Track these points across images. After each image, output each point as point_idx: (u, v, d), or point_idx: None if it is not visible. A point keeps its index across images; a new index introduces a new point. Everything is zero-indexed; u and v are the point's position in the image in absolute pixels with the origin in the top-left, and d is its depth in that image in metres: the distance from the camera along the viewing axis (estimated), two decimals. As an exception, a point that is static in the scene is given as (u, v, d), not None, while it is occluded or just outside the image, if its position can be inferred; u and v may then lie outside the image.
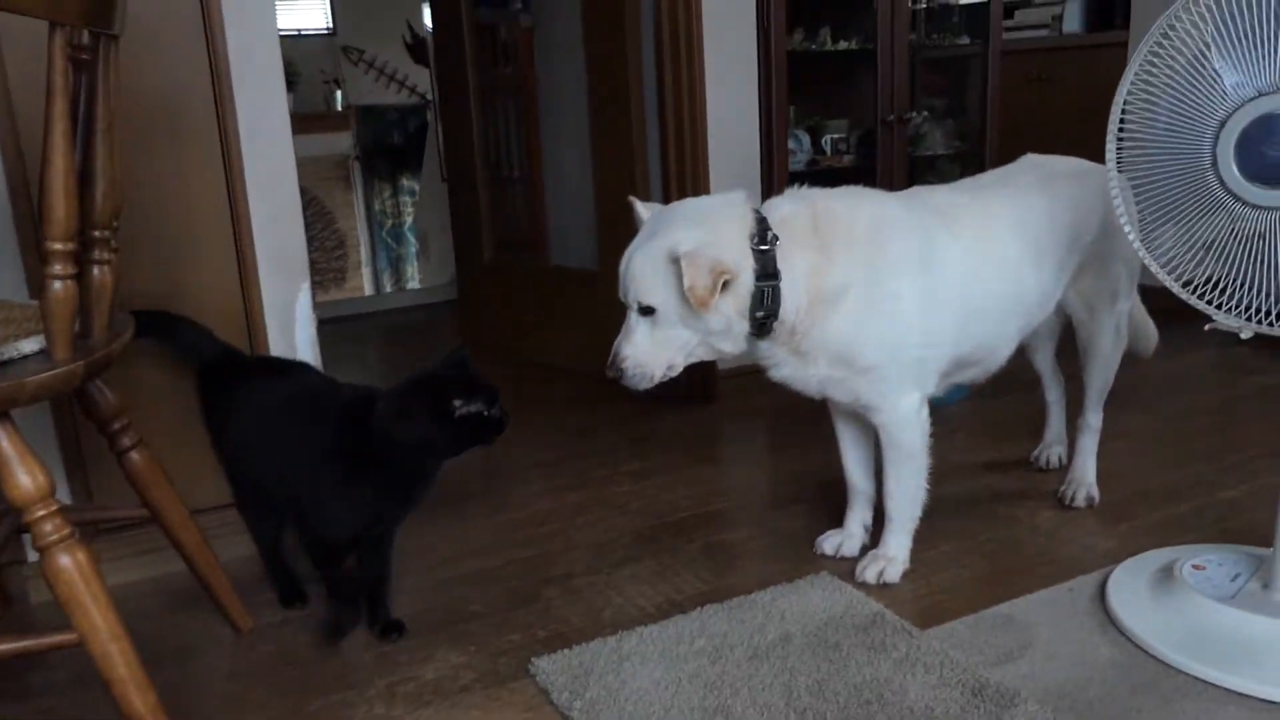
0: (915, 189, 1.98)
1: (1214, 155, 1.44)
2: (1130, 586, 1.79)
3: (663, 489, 2.06)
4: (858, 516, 2.07)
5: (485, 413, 1.64)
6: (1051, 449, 2.46)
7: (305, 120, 6.31)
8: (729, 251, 1.62)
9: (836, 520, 2.11)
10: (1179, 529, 2.04)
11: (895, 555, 1.94)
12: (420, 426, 1.62)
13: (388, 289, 6.73)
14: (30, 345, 1.35)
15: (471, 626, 1.83)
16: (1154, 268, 1.55)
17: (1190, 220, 1.49)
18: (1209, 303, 1.52)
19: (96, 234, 1.43)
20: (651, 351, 1.68)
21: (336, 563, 1.76)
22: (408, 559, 2.12)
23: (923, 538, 2.06)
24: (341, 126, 6.58)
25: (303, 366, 1.93)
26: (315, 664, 1.75)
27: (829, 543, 2.06)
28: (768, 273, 1.65)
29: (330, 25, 6.56)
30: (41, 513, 1.29)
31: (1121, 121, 1.55)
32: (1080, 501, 2.19)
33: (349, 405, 1.70)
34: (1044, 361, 2.41)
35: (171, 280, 2.01)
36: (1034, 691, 1.54)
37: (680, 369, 1.72)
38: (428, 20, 5.33)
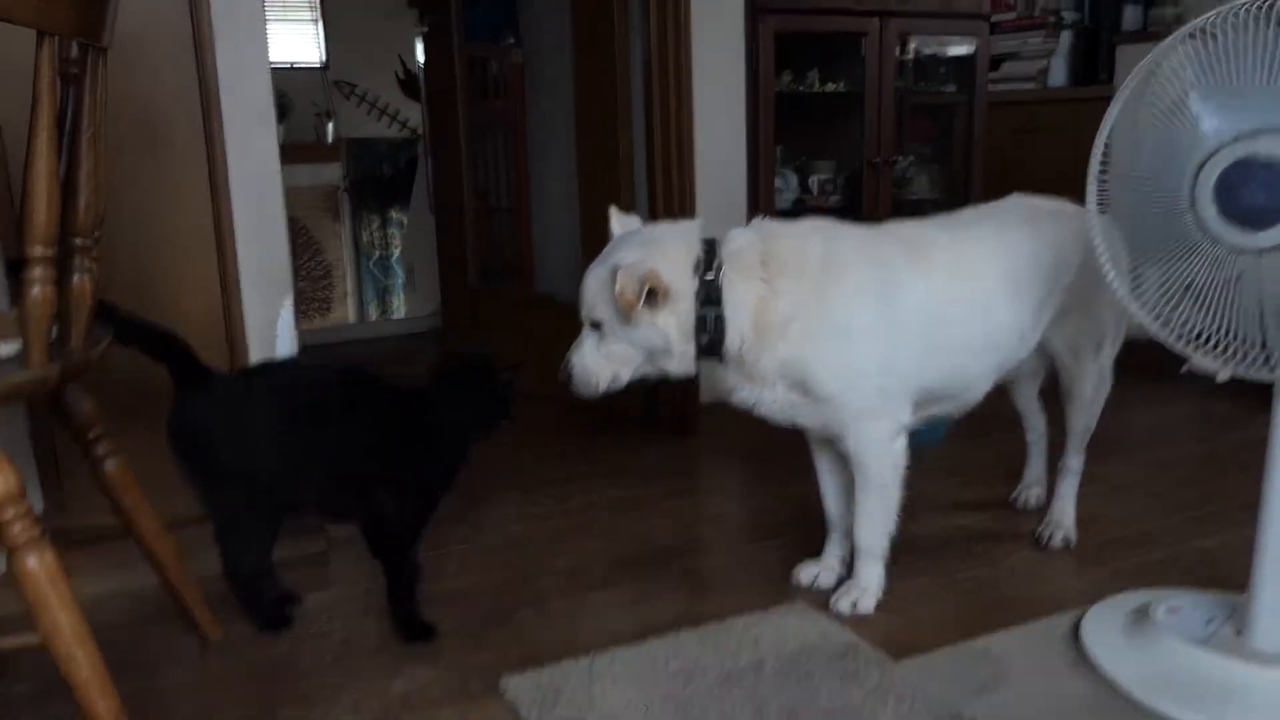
0: (892, 223, 1.99)
1: (1192, 197, 1.46)
2: (1105, 626, 1.79)
3: (641, 517, 2.06)
4: (834, 549, 2.07)
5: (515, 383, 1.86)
6: (1030, 490, 2.46)
7: (296, 150, 6.34)
8: (669, 273, 1.68)
9: (815, 552, 2.11)
10: (1155, 574, 2.04)
11: (868, 585, 1.94)
12: (476, 398, 1.83)
13: (373, 318, 6.72)
14: (6, 349, 1.35)
15: (443, 644, 1.82)
16: (1133, 308, 1.57)
17: (1170, 261, 1.51)
18: (1187, 345, 1.53)
19: (78, 242, 1.43)
20: (597, 362, 1.77)
21: (408, 558, 1.85)
22: (379, 579, 2.10)
23: (900, 572, 2.06)
24: (331, 158, 6.62)
25: (280, 364, 1.93)
26: (283, 677, 1.73)
27: (805, 573, 2.05)
28: (710, 300, 1.71)
29: (324, 59, 6.62)
30: (10, 514, 1.28)
31: (1104, 162, 1.58)
32: (1057, 543, 2.19)
33: (394, 392, 1.83)
34: (1026, 401, 2.41)
35: (153, 293, 2.01)
36: (1006, 725, 1.53)
37: (624, 381, 1.79)
38: (420, 56, 5.39)
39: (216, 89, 2.00)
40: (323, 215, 6.69)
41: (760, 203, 3.20)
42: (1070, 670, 1.70)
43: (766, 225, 1.84)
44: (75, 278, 1.43)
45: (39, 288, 1.31)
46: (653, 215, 3.16)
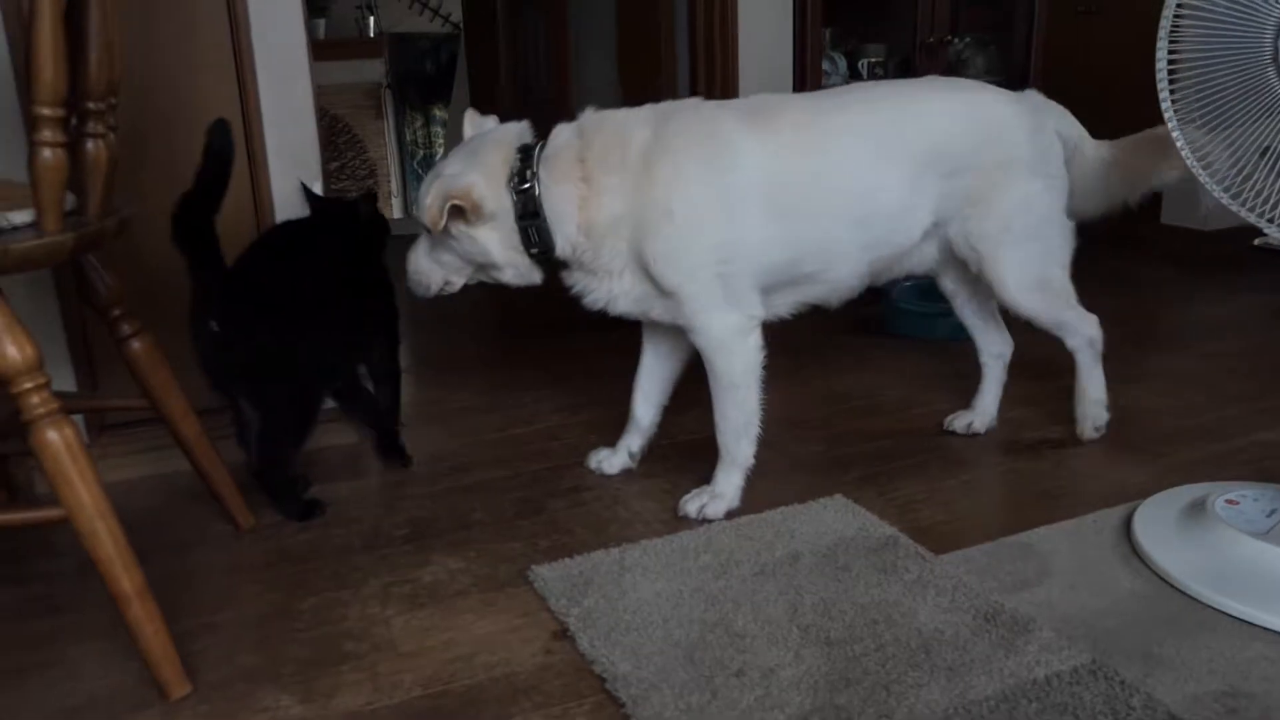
0: (763, 95, 1.89)
1: (1276, 49, 1.34)
2: (1158, 519, 1.71)
3: (678, 409, 2.01)
4: (627, 438, 2.04)
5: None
6: (964, 417, 2.19)
7: (337, 46, 6.24)
8: (482, 188, 1.64)
9: (851, 444, 2.05)
10: (1212, 468, 1.96)
11: (722, 492, 1.85)
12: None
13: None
14: (21, 217, 1.31)
15: (473, 534, 1.80)
16: (1202, 177, 1.46)
17: (1246, 123, 1.39)
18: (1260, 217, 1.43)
19: (91, 105, 1.38)
20: (429, 266, 1.77)
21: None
22: (414, 470, 2.09)
23: (940, 465, 2.02)
24: (373, 54, 6.50)
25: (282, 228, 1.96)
26: (311, 563, 1.72)
27: (593, 457, 2.06)
28: (528, 212, 1.66)
29: (363, -52, 6.43)
30: (28, 385, 1.25)
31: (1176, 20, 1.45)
32: (1089, 431, 2.07)
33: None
34: (970, 314, 2.13)
35: (179, 170, 1.95)
36: (1049, 619, 1.48)
37: (458, 286, 1.80)
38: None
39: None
40: (366, 113, 6.60)
41: (807, 88, 3.06)
42: (1119, 564, 1.63)
43: (590, 118, 1.75)
44: (90, 144, 1.38)
45: (49, 151, 1.26)
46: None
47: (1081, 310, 1.99)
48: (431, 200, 1.63)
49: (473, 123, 1.82)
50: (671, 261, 1.70)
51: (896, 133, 1.80)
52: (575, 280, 1.78)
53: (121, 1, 1.42)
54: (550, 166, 1.67)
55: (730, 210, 1.70)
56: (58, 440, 1.27)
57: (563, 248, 1.70)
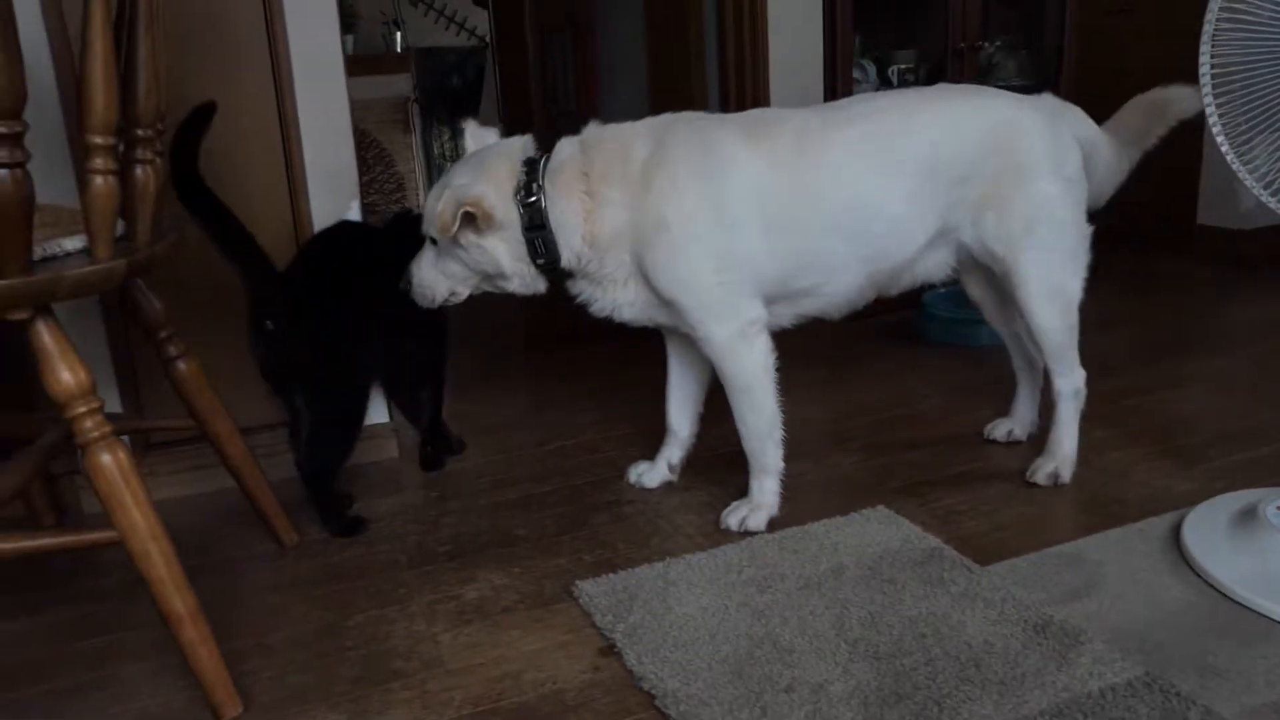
0: (763, 109, 1.92)
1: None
2: (1207, 527, 1.69)
3: (716, 422, 2.00)
4: (667, 451, 2.05)
5: None
6: (1000, 425, 2.18)
7: (365, 62, 6.29)
8: (493, 198, 1.66)
9: (891, 455, 2.04)
10: (1261, 473, 1.93)
11: (760, 501, 1.85)
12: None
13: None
14: (73, 243, 1.33)
15: (516, 550, 1.80)
16: (1248, 180, 1.44)
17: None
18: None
19: (140, 133, 1.40)
20: (434, 277, 1.77)
21: None
22: (455, 483, 2.10)
23: (982, 474, 2.00)
24: (401, 69, 6.54)
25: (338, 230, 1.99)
26: (357, 580, 1.73)
27: (633, 470, 2.07)
28: (534, 224, 1.69)
29: (391, -35, 6.48)
30: (82, 409, 1.27)
31: (1227, 8, 1.43)
32: (1040, 479, 1.94)
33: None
34: (1000, 320, 2.10)
35: (220, 191, 1.98)
36: (1100, 630, 1.46)
37: (464, 296, 1.80)
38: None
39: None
40: (393, 127, 6.65)
41: (838, 95, 3.05)
42: (1169, 574, 1.61)
43: (593, 132, 1.77)
44: (139, 170, 1.40)
45: (101, 179, 1.28)
46: (724, 108, 3.05)
47: (1077, 355, 1.94)
48: (443, 208, 1.64)
49: (474, 135, 1.85)
50: (668, 271, 1.71)
51: (898, 144, 1.78)
52: (581, 289, 1.80)
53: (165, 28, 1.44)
54: (555, 180, 1.70)
55: (725, 222, 1.70)
56: (111, 463, 1.28)
57: (568, 259, 1.72)
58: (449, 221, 1.64)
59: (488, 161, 1.73)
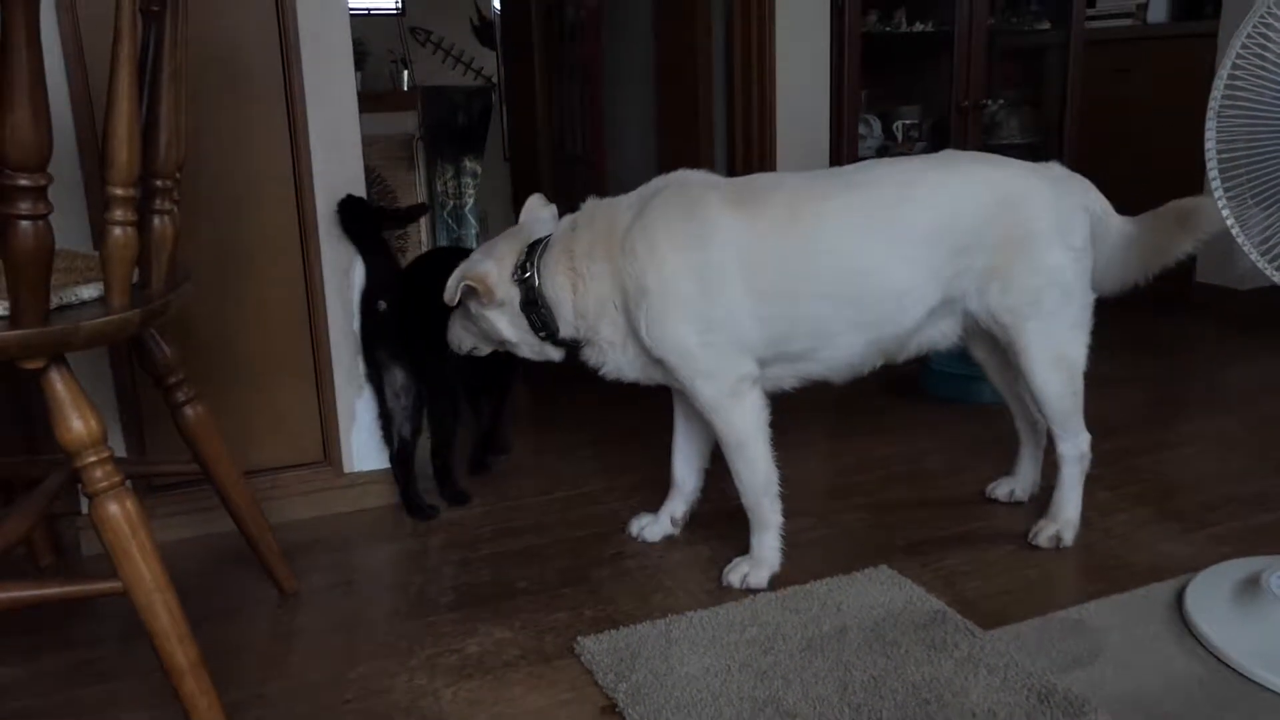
0: (762, 174, 1.95)
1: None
2: (1211, 595, 1.69)
3: (718, 475, 2.00)
4: (670, 504, 2.06)
5: None
6: (1002, 485, 2.18)
7: (372, 99, 6.33)
8: (494, 276, 1.79)
9: (894, 513, 2.04)
10: (1264, 539, 1.94)
11: (761, 557, 1.85)
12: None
13: (448, 267, 6.74)
14: (89, 292, 1.33)
15: (518, 603, 1.80)
16: (1246, 247, 1.46)
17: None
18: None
19: (159, 184, 1.41)
20: (460, 333, 1.93)
21: None
22: (457, 532, 2.10)
23: (985, 534, 2.01)
24: (407, 106, 6.59)
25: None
26: (357, 630, 1.72)
27: (635, 523, 2.07)
28: (529, 300, 1.79)
29: (399, 6, 6.55)
30: (92, 459, 1.27)
31: (1228, 95, 1.45)
32: (1041, 541, 1.94)
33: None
34: (1003, 381, 2.09)
35: (232, 237, 2.00)
36: (1104, 700, 1.45)
37: (485, 352, 1.95)
38: (496, 4, 5.32)
39: (296, 30, 1.96)
40: (398, 164, 6.68)
41: (843, 149, 3.08)
42: (1174, 643, 1.61)
43: (587, 208, 1.84)
44: (156, 220, 1.41)
45: (120, 229, 1.29)
46: (731, 159, 3.09)
47: (1082, 419, 1.95)
48: (451, 279, 1.78)
49: (529, 209, 1.95)
50: (654, 333, 1.74)
51: (897, 213, 1.77)
52: (589, 356, 1.85)
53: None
54: (545, 260, 1.80)
55: (706, 286, 1.72)
56: (119, 514, 1.28)
57: (565, 330, 1.81)
58: (452, 293, 1.78)
59: (503, 241, 1.85)
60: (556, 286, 1.78)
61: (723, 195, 1.76)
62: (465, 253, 2.22)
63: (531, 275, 1.79)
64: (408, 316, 2.07)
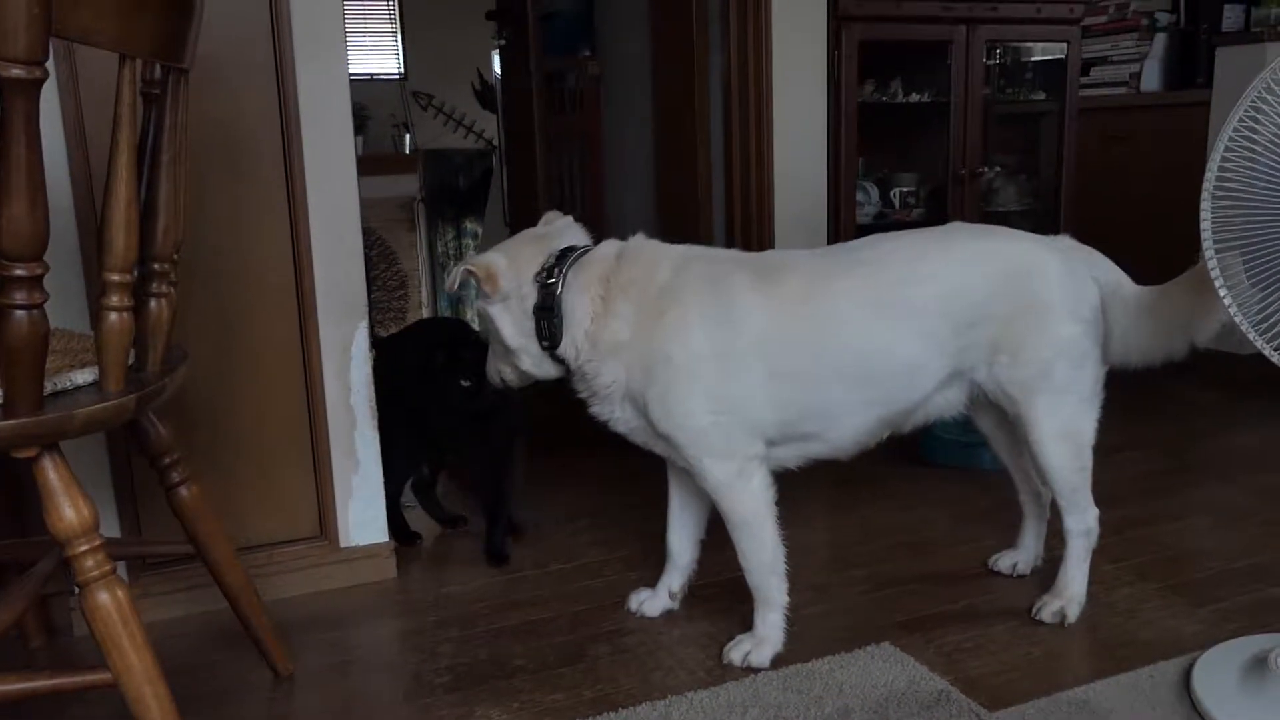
0: (777, 250, 1.96)
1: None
2: (1218, 676, 1.67)
3: (717, 547, 1.98)
4: (667, 578, 2.04)
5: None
6: (1004, 557, 2.16)
7: (373, 162, 6.39)
8: (504, 269, 1.75)
9: (895, 585, 2.02)
10: (1270, 613, 1.91)
11: (764, 635, 1.82)
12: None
13: (447, 330, 6.75)
14: (84, 376, 1.33)
15: (515, 682, 1.77)
16: (1244, 327, 1.46)
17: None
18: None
19: (156, 266, 1.42)
20: (491, 360, 1.91)
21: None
22: (454, 607, 2.07)
23: (988, 609, 1.98)
24: (408, 169, 6.66)
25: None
26: (354, 713, 1.69)
27: (634, 599, 2.05)
28: (545, 305, 1.74)
29: (402, 70, 6.65)
30: (84, 547, 1.26)
31: (1220, 183, 1.46)
32: (1044, 616, 1.92)
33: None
34: (1007, 453, 2.09)
35: (230, 315, 2.00)
36: (1113, 786, 1.43)
37: (513, 379, 1.89)
38: (497, 68, 5.40)
39: (297, 113, 1.98)
40: (399, 226, 6.73)
41: (840, 215, 3.11)
42: (1182, 726, 1.58)
43: (636, 244, 1.82)
44: (153, 303, 1.42)
45: (116, 315, 1.29)
46: (729, 225, 3.11)
47: (1090, 494, 1.93)
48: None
49: (545, 218, 1.91)
50: (665, 406, 1.72)
51: (905, 291, 1.76)
52: (580, 389, 1.83)
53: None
54: (579, 272, 1.75)
55: (727, 366, 1.71)
56: (109, 603, 1.26)
57: (567, 348, 1.75)
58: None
59: (521, 240, 1.84)
60: (578, 304, 1.74)
61: (751, 275, 1.76)
62: (458, 324, 2.33)
63: (556, 282, 1.74)
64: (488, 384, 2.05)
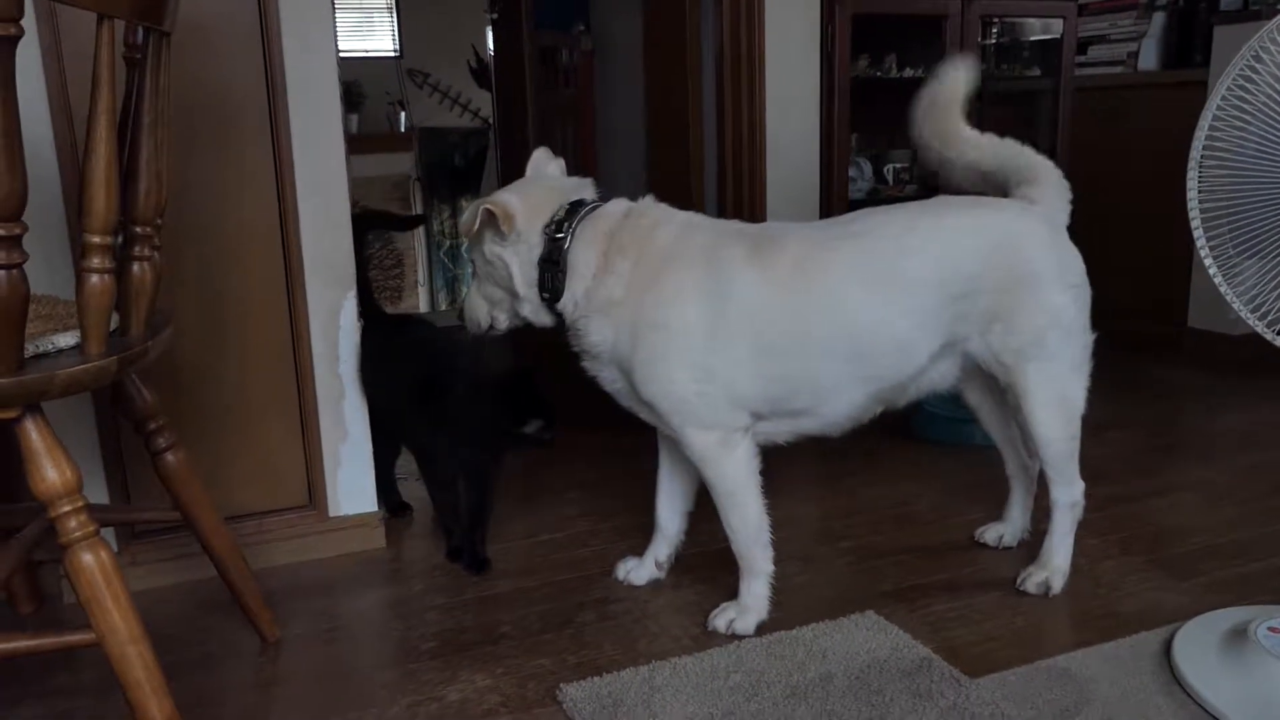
0: (774, 223, 1.92)
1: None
2: (1198, 646, 1.68)
3: (705, 517, 1.99)
4: (655, 548, 2.05)
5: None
6: (990, 529, 2.17)
7: (369, 141, 6.39)
8: (517, 206, 1.73)
9: (881, 557, 2.02)
10: (1251, 588, 1.92)
11: (748, 604, 1.83)
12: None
13: (443, 306, 6.76)
14: (66, 340, 1.33)
15: (500, 648, 1.78)
16: (1235, 304, 1.46)
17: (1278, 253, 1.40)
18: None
19: (139, 230, 1.41)
20: (477, 303, 1.87)
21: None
22: (442, 575, 2.08)
23: (973, 580, 1.99)
24: (404, 147, 6.65)
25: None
26: (338, 679, 1.70)
27: (621, 568, 2.06)
28: (550, 258, 1.74)
29: (398, 49, 6.61)
30: (66, 508, 1.27)
31: (1208, 147, 1.46)
32: (1029, 587, 1.93)
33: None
34: (996, 426, 2.10)
35: (217, 282, 2.00)
36: (1091, 751, 1.44)
37: (503, 324, 1.87)
38: (492, 45, 5.37)
39: (283, 78, 1.97)
40: (395, 204, 6.73)
41: (833, 191, 3.10)
42: (1161, 694, 1.59)
43: (644, 205, 1.81)
44: (135, 266, 1.41)
45: (97, 277, 1.29)
46: (721, 201, 3.10)
47: (1078, 466, 1.93)
48: (469, 209, 1.74)
49: (535, 163, 1.90)
50: (649, 371, 1.73)
51: (896, 265, 1.75)
52: (573, 343, 1.83)
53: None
54: (586, 228, 1.75)
55: (715, 338, 1.71)
56: (93, 564, 1.27)
57: (566, 301, 1.76)
58: (470, 220, 1.73)
59: (535, 186, 1.83)
60: (581, 258, 1.73)
61: (748, 248, 1.74)
62: (427, 324, 2.33)
63: (565, 237, 1.74)
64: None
